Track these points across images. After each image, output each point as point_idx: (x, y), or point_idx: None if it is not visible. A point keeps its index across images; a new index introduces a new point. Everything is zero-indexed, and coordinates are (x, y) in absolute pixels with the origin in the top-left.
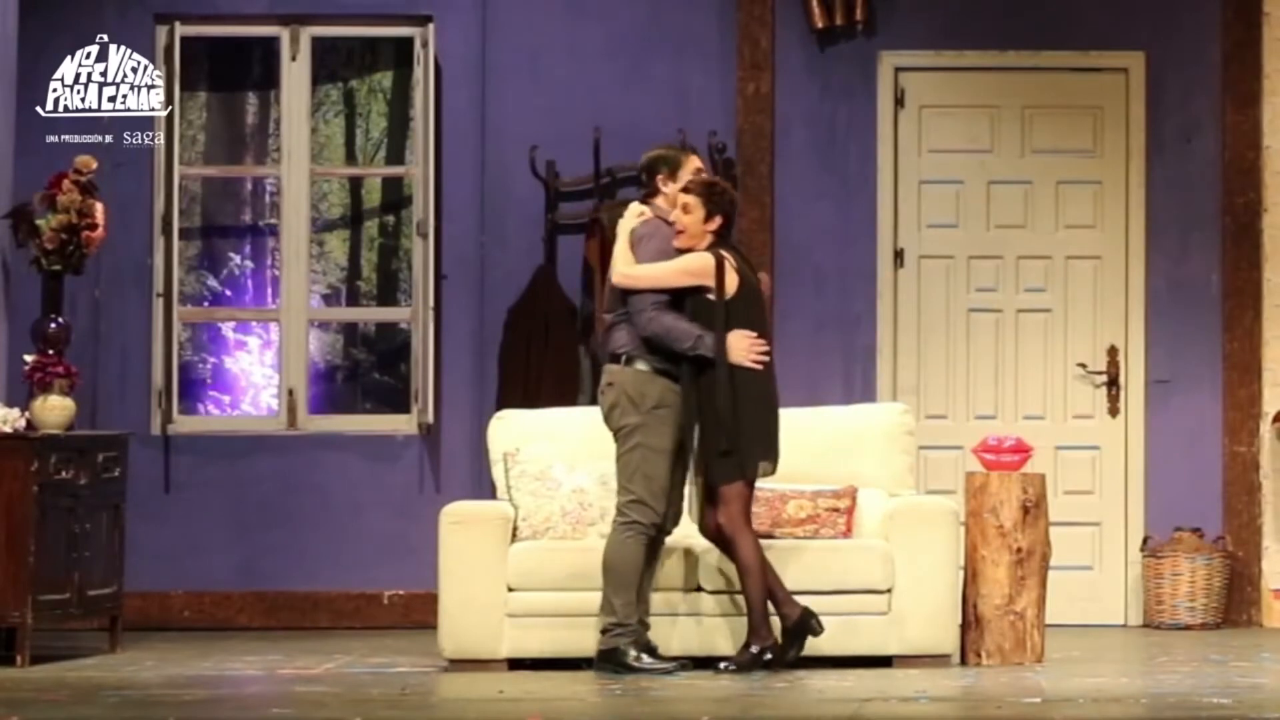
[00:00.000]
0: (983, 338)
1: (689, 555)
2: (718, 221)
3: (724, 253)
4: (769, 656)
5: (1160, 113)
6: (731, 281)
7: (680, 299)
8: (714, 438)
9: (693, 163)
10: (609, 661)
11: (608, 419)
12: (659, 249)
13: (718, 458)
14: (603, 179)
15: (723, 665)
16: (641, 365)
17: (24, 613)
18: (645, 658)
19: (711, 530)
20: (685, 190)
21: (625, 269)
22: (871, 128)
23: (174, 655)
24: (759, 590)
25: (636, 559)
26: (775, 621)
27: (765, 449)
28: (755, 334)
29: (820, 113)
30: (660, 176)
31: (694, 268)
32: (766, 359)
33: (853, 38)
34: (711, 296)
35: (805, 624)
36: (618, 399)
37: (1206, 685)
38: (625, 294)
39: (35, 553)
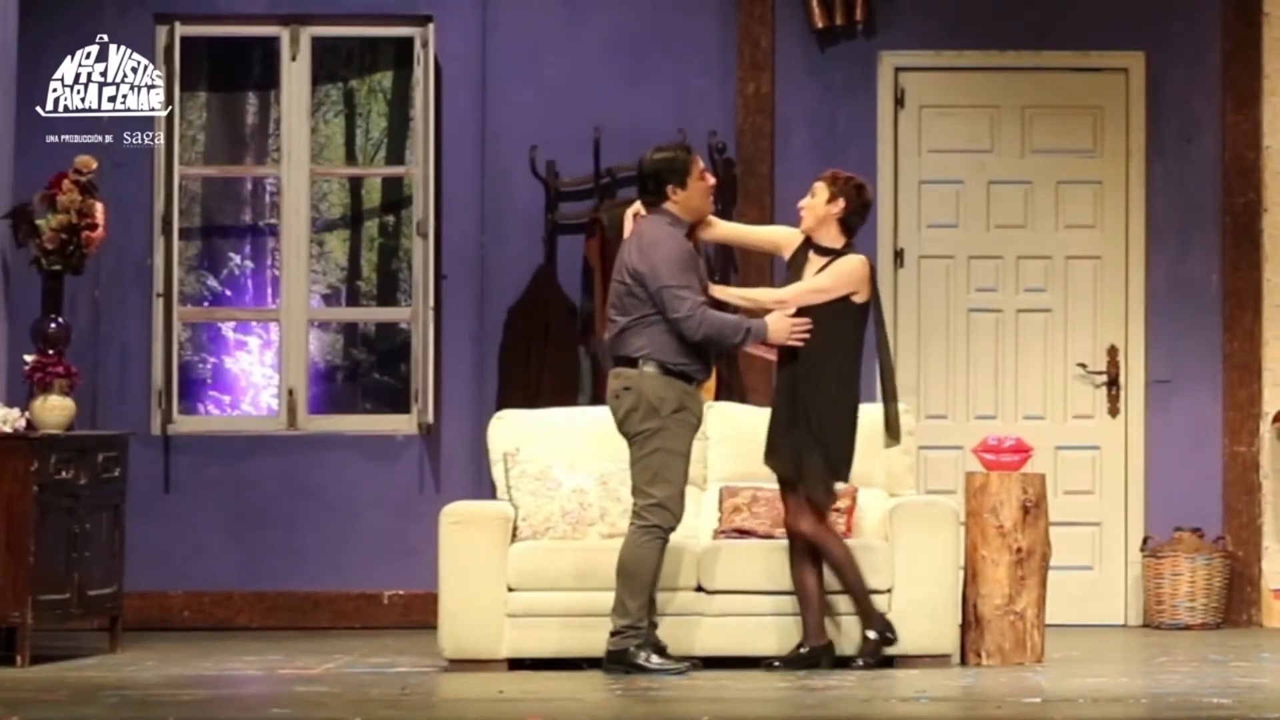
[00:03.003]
0: (983, 338)
1: (689, 555)
2: (841, 204)
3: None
4: (888, 640)
5: (1160, 113)
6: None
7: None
8: (817, 441)
9: (698, 163)
10: (619, 663)
11: (623, 423)
12: (681, 253)
13: (818, 461)
14: (603, 179)
15: (859, 662)
16: (658, 369)
17: (24, 613)
18: (655, 658)
19: (798, 529)
20: (818, 179)
21: (778, 304)
22: (871, 128)
23: (174, 655)
24: (857, 580)
25: (654, 562)
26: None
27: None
28: (804, 320)
29: (820, 113)
30: (670, 186)
31: (854, 276)
32: (808, 338)
33: (853, 38)
34: (856, 300)
35: (818, 656)
36: (636, 403)
37: (1206, 685)
38: (660, 301)
39: (35, 553)
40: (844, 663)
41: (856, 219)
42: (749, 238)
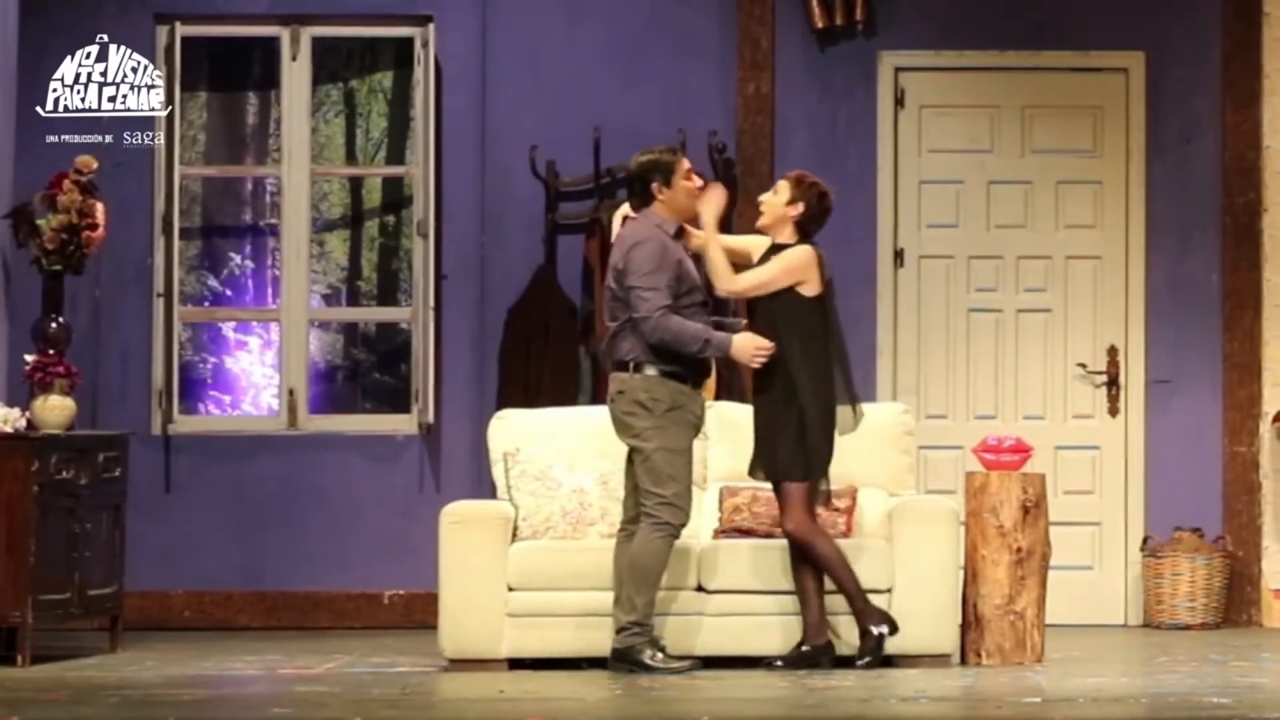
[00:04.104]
0: (983, 338)
1: (689, 555)
2: (800, 208)
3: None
4: (889, 631)
5: (1160, 113)
6: (824, 277)
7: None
8: (779, 437)
9: (684, 164)
10: (624, 660)
11: (622, 427)
12: (656, 254)
13: (783, 458)
14: (603, 179)
15: (860, 663)
16: (650, 370)
17: (24, 613)
18: (659, 656)
19: (784, 529)
20: (784, 177)
21: (727, 283)
22: (871, 128)
23: (174, 655)
24: (849, 578)
25: (664, 560)
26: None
27: (829, 453)
28: (765, 339)
29: (820, 113)
30: (655, 185)
31: (798, 263)
32: (765, 359)
33: (853, 38)
34: (805, 292)
35: (818, 655)
36: (631, 406)
37: (1206, 685)
38: (628, 300)
39: (35, 553)
40: (845, 662)
41: (814, 224)
42: (726, 246)
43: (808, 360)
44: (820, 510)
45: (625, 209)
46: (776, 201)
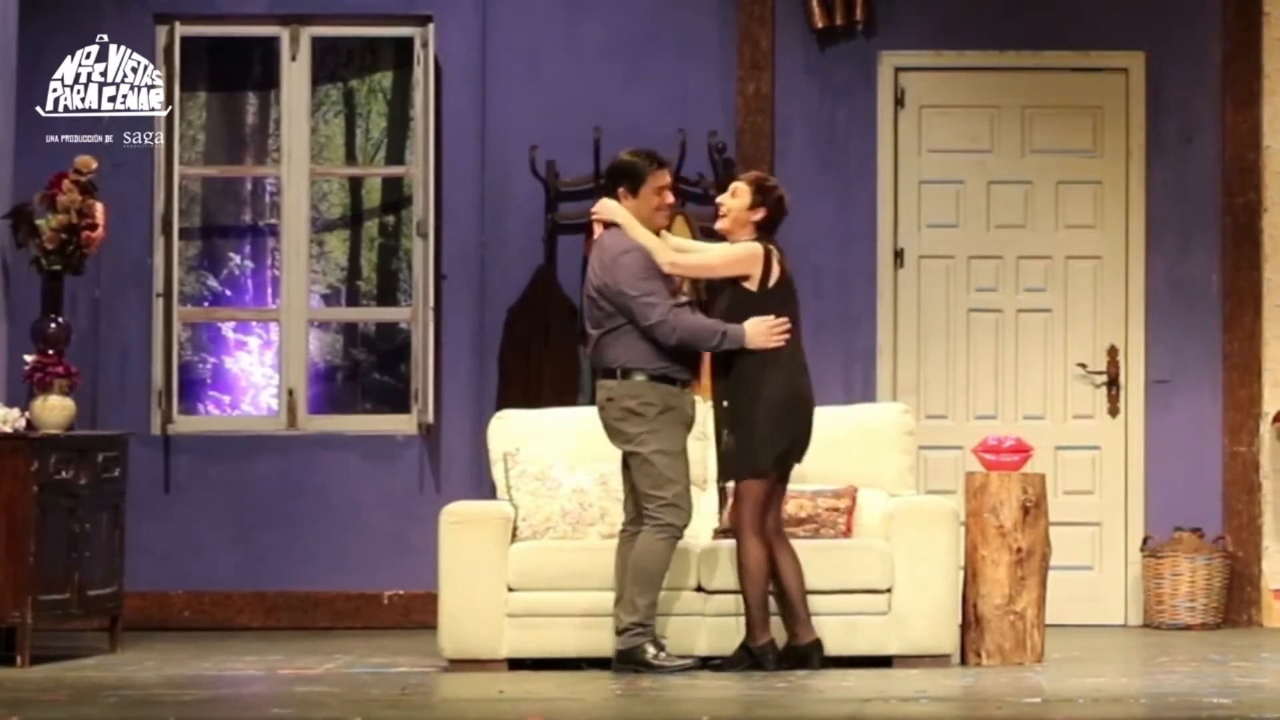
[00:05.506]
0: (983, 338)
1: (689, 555)
2: (761, 213)
3: (770, 245)
4: (767, 656)
5: (1160, 113)
6: (774, 274)
7: (715, 290)
8: (728, 434)
9: (660, 178)
10: (629, 661)
11: (615, 433)
12: (645, 260)
13: (729, 454)
14: (602, 179)
15: (715, 663)
16: (639, 376)
17: (24, 613)
18: (662, 655)
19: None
20: (739, 179)
21: (670, 258)
22: (871, 128)
23: (174, 655)
24: (754, 592)
25: (667, 561)
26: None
27: (779, 449)
28: (780, 319)
29: (820, 113)
30: (621, 190)
31: (743, 256)
32: (787, 337)
33: (853, 38)
34: (749, 286)
35: (807, 653)
36: (622, 413)
37: (1206, 685)
38: (630, 310)
39: (35, 553)
40: (834, 662)
41: (772, 227)
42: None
43: (758, 355)
44: (820, 510)
45: (598, 209)
46: (737, 205)
